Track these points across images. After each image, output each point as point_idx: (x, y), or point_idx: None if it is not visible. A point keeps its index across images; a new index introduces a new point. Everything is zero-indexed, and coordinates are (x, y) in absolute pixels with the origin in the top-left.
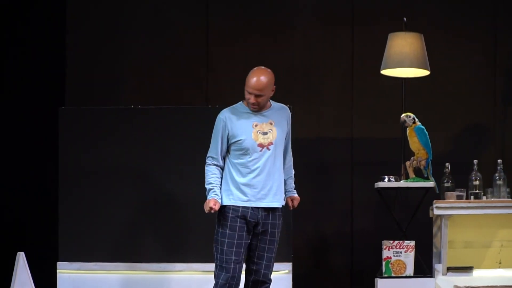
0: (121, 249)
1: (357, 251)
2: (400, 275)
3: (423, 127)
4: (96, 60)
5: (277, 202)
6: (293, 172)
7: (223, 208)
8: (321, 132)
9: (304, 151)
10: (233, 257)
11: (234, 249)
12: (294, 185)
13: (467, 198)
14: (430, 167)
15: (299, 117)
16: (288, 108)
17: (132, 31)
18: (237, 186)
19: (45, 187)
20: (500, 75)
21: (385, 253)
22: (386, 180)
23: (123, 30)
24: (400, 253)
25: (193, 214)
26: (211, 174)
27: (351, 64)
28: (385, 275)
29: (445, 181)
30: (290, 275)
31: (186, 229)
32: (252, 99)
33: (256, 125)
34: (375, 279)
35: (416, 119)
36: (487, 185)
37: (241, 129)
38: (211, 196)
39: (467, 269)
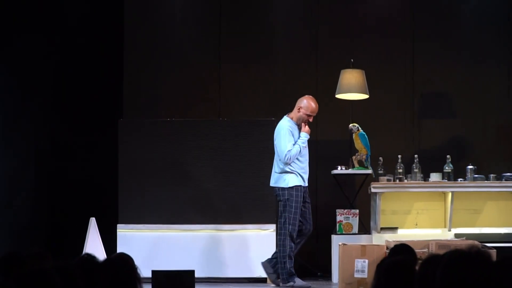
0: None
1: (320, 217)
2: (348, 233)
3: (364, 133)
4: (141, 79)
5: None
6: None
7: None
8: None
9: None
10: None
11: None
12: None
13: (394, 181)
14: (369, 160)
15: None
16: None
17: (170, 55)
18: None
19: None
20: (417, 96)
21: (338, 218)
22: (339, 168)
23: (164, 54)
24: (348, 217)
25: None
26: (295, 146)
27: (316, 89)
28: (339, 233)
29: (379, 169)
30: (274, 233)
31: (210, 200)
32: (311, 119)
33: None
34: (332, 235)
35: (360, 127)
36: (407, 172)
37: (297, 135)
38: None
39: (394, 229)
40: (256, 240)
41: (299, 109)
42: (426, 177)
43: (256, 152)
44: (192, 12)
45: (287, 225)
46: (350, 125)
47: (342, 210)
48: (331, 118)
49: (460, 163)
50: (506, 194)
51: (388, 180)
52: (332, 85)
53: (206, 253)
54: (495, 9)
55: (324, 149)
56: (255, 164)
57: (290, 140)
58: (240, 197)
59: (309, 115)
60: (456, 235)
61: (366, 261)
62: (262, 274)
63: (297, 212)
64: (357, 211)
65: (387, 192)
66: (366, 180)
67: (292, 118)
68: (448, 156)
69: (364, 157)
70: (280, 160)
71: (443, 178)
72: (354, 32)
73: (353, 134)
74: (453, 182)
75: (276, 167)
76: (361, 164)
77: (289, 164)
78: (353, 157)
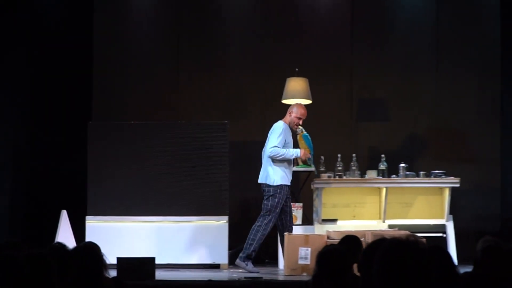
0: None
1: None
2: (294, 224)
3: (307, 134)
4: (110, 84)
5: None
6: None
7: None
8: (249, 136)
9: (242, 148)
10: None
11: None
12: None
13: (334, 177)
14: (311, 158)
15: (237, 128)
16: None
17: (135, 62)
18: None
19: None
20: (355, 101)
21: None
22: None
23: (130, 61)
24: (293, 210)
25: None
26: (285, 149)
27: (264, 95)
28: None
29: (321, 167)
30: (227, 224)
31: (170, 194)
32: (301, 122)
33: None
34: None
35: (303, 129)
36: (346, 169)
37: (290, 138)
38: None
39: (334, 220)
40: (211, 230)
41: (290, 113)
42: (363, 174)
43: (211, 151)
44: (155, 22)
45: (267, 216)
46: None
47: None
48: (277, 121)
49: (393, 161)
50: (434, 189)
51: (329, 176)
52: (279, 91)
53: (166, 242)
54: (424, 23)
55: None
56: (210, 162)
57: (281, 138)
58: (197, 191)
59: (299, 118)
60: (390, 226)
61: (309, 249)
62: (216, 260)
63: (278, 207)
64: (301, 204)
65: (328, 188)
66: (309, 176)
67: (285, 122)
68: (382, 155)
69: (307, 156)
70: (266, 153)
71: (378, 175)
72: (299, 43)
73: (298, 135)
74: (387, 178)
75: (264, 164)
76: (305, 162)
77: (272, 160)
78: None
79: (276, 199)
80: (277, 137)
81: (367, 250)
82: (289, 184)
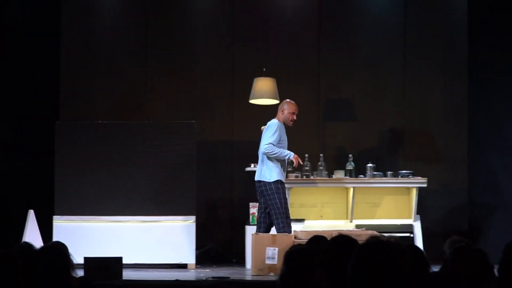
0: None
1: (235, 209)
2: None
3: None
4: (77, 84)
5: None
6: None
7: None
8: (216, 136)
9: (209, 148)
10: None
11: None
12: None
13: (301, 177)
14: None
15: (204, 128)
16: None
17: (103, 62)
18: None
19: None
20: (322, 101)
21: (251, 210)
22: (252, 166)
23: (98, 61)
24: None
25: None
26: (279, 148)
27: (232, 95)
28: (252, 224)
29: (288, 167)
30: (194, 224)
31: (138, 194)
32: (295, 117)
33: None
34: (245, 226)
35: None
36: (314, 169)
37: (285, 136)
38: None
39: (301, 220)
40: (178, 230)
41: (282, 111)
42: (330, 174)
43: (179, 151)
44: (123, 24)
45: (282, 215)
46: (262, 127)
47: (255, 203)
48: (245, 121)
49: (361, 161)
50: (401, 189)
51: (296, 176)
52: (246, 91)
53: (133, 241)
54: (391, 24)
55: (239, 148)
56: (177, 162)
57: (277, 136)
58: (164, 191)
59: (293, 113)
60: (357, 226)
61: (276, 249)
62: (183, 260)
63: (285, 202)
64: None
65: (296, 187)
66: None
67: (280, 120)
68: (350, 155)
69: None
70: (260, 149)
71: (345, 175)
72: (266, 44)
73: None
74: (354, 178)
75: (260, 161)
76: None
77: (266, 156)
78: None
79: (281, 195)
80: (272, 134)
81: (329, 249)
82: (283, 179)
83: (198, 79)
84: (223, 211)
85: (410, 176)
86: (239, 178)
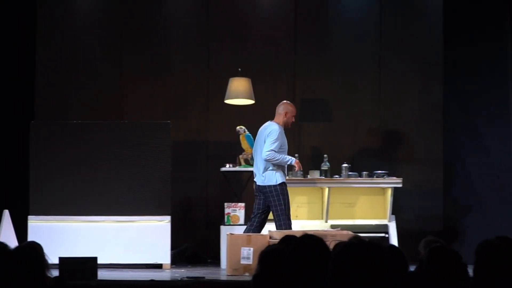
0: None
1: (210, 209)
2: (235, 224)
3: (250, 134)
4: (53, 84)
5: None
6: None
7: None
8: (191, 136)
9: (184, 148)
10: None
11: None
12: None
13: None
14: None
15: (179, 128)
16: None
17: (79, 62)
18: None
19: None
20: (298, 101)
21: (227, 210)
22: (227, 166)
23: (74, 61)
24: (236, 210)
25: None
26: (280, 155)
27: (207, 95)
28: (227, 224)
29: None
30: (169, 224)
31: (113, 194)
32: (294, 120)
33: None
34: (221, 226)
35: (246, 130)
36: (289, 169)
37: (285, 138)
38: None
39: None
40: (153, 230)
41: (285, 114)
42: (305, 174)
43: (154, 151)
44: (98, 24)
45: (284, 216)
46: (238, 127)
47: (230, 203)
48: (220, 121)
49: (336, 161)
50: (376, 190)
51: None
52: (222, 91)
53: (108, 241)
54: (367, 24)
55: (214, 148)
56: (152, 162)
57: (278, 143)
58: (140, 191)
59: (293, 116)
60: (332, 226)
61: (251, 249)
62: (158, 260)
63: (288, 204)
64: (243, 204)
65: None
66: (251, 176)
67: (279, 123)
68: (325, 155)
69: (249, 156)
70: (262, 156)
71: (320, 175)
72: (242, 44)
73: (240, 135)
74: (329, 178)
75: (261, 166)
76: (247, 162)
77: (267, 162)
78: (240, 156)
79: (286, 197)
80: (274, 141)
81: (297, 250)
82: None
83: (173, 79)
84: (198, 211)
85: (385, 176)
86: (214, 178)
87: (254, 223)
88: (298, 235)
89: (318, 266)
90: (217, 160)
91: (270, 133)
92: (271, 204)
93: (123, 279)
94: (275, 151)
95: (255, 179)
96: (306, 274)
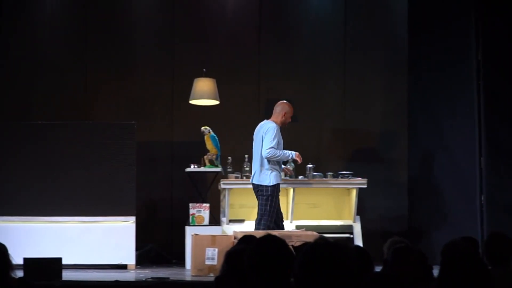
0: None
1: (175, 209)
2: (200, 224)
3: (215, 135)
4: (14, 84)
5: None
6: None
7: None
8: (156, 137)
9: (149, 148)
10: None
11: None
12: None
13: (241, 178)
14: (219, 159)
15: (144, 128)
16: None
17: (41, 62)
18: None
19: None
20: (263, 102)
21: (191, 211)
22: (192, 166)
23: (36, 60)
24: (200, 210)
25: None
26: (281, 150)
27: (172, 96)
28: (191, 224)
29: (228, 167)
30: (134, 224)
31: (77, 195)
32: (290, 120)
33: None
34: (185, 226)
35: (211, 130)
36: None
37: (281, 137)
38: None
39: (241, 221)
40: (118, 230)
41: (284, 114)
42: None
43: (119, 152)
44: (62, 23)
45: (266, 217)
46: (202, 128)
47: (195, 204)
48: (185, 122)
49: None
50: (341, 190)
51: (236, 177)
52: (187, 92)
53: (73, 242)
54: (332, 25)
55: (179, 149)
56: (117, 162)
57: (277, 139)
58: (104, 192)
59: (291, 116)
60: (297, 227)
61: (216, 249)
62: (123, 261)
63: (275, 206)
64: (208, 205)
65: (235, 188)
66: (216, 177)
67: (276, 122)
68: None
69: (214, 156)
70: (262, 154)
71: (285, 176)
72: (207, 44)
73: (205, 136)
74: (294, 179)
75: (258, 165)
76: (212, 163)
77: (268, 160)
78: (205, 157)
79: (274, 199)
80: (272, 139)
81: (257, 250)
82: (280, 182)
83: (138, 79)
84: (163, 211)
85: (350, 177)
86: (179, 179)
87: (277, 224)
88: (259, 235)
89: (280, 266)
90: (182, 160)
91: (267, 131)
92: (258, 201)
93: (87, 280)
94: (275, 148)
95: (251, 179)
96: (267, 274)
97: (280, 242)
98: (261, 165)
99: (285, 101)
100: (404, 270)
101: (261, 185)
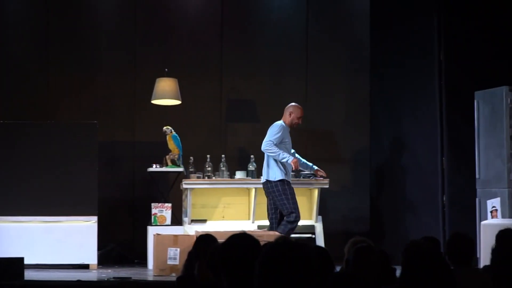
0: None
1: (137, 209)
2: (162, 224)
3: (176, 135)
4: None
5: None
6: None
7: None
8: (118, 137)
9: (111, 148)
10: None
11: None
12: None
13: (203, 178)
14: (181, 159)
15: (106, 129)
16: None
17: (2, 60)
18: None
19: None
20: (224, 102)
21: (154, 211)
22: (154, 166)
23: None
24: (162, 210)
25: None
26: (277, 149)
27: (134, 95)
28: (154, 224)
29: (190, 167)
30: (96, 224)
31: (39, 194)
32: (300, 121)
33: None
34: (148, 226)
35: (172, 130)
36: (215, 170)
37: (288, 137)
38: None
39: (203, 221)
40: (80, 230)
41: (290, 114)
42: (232, 175)
43: (81, 152)
44: (24, 22)
45: (289, 206)
46: (164, 127)
47: (157, 203)
48: (147, 122)
49: (262, 162)
50: (303, 190)
51: (198, 177)
52: (149, 92)
53: (35, 242)
54: (294, 25)
55: (141, 149)
56: (79, 162)
57: (279, 136)
58: (66, 191)
59: (299, 118)
60: (259, 227)
61: (178, 249)
62: (85, 260)
63: (288, 198)
64: (170, 204)
65: (197, 188)
66: (178, 177)
67: (285, 122)
68: (252, 156)
69: (176, 156)
70: (262, 146)
71: (247, 176)
72: (169, 44)
73: (167, 136)
74: (256, 179)
75: (264, 164)
76: (174, 163)
77: (267, 153)
78: (167, 157)
79: (288, 192)
80: (275, 133)
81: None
82: (288, 180)
83: (100, 80)
84: (125, 211)
85: (312, 177)
86: (141, 178)
87: (273, 224)
88: (219, 236)
89: (245, 266)
90: (144, 160)
91: (272, 127)
92: (274, 200)
93: (50, 280)
94: (273, 142)
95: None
96: (231, 274)
97: (253, 241)
98: (267, 163)
99: (295, 103)
100: (366, 270)
101: (268, 181)
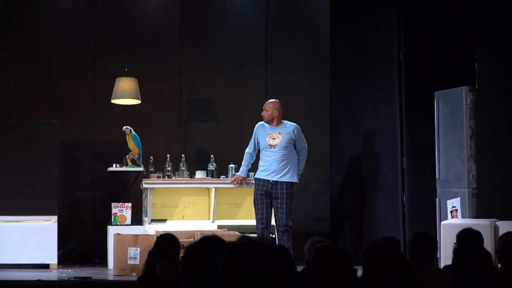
0: None
1: (98, 209)
2: (122, 224)
3: (136, 134)
4: None
5: (282, 178)
6: (303, 165)
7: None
8: (78, 136)
9: (71, 148)
10: (259, 215)
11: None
12: (299, 171)
13: (163, 177)
14: (140, 158)
15: (66, 128)
16: (295, 125)
17: None
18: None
19: None
20: (184, 101)
21: (114, 210)
22: (114, 166)
23: None
24: (122, 210)
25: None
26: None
27: (94, 95)
28: (114, 224)
29: (150, 167)
30: (56, 224)
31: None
32: (263, 113)
33: (269, 134)
34: (108, 226)
35: (132, 130)
36: (176, 169)
37: (262, 136)
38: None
39: (163, 220)
40: (40, 230)
41: (278, 112)
42: (192, 175)
43: (40, 151)
44: None
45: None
46: (124, 127)
47: (117, 203)
48: (107, 121)
49: (222, 162)
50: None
51: (158, 177)
52: (109, 91)
53: None
54: (254, 25)
55: (101, 148)
56: (39, 162)
57: (251, 140)
58: (26, 191)
59: (264, 110)
60: (219, 226)
61: (138, 249)
62: (45, 260)
63: (256, 199)
64: (130, 204)
65: (157, 188)
66: (138, 176)
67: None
68: (211, 155)
69: (136, 156)
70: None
71: (207, 176)
72: (129, 44)
73: (127, 135)
74: (216, 179)
75: (288, 161)
76: (134, 162)
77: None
78: (127, 156)
79: (254, 191)
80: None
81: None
82: (263, 178)
83: (60, 78)
84: (85, 211)
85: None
86: (101, 178)
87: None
88: (180, 235)
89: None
90: (104, 160)
91: (299, 133)
92: (287, 201)
93: (9, 279)
94: (247, 150)
95: None
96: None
97: (219, 242)
98: (291, 163)
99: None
100: (327, 269)
101: (293, 183)
